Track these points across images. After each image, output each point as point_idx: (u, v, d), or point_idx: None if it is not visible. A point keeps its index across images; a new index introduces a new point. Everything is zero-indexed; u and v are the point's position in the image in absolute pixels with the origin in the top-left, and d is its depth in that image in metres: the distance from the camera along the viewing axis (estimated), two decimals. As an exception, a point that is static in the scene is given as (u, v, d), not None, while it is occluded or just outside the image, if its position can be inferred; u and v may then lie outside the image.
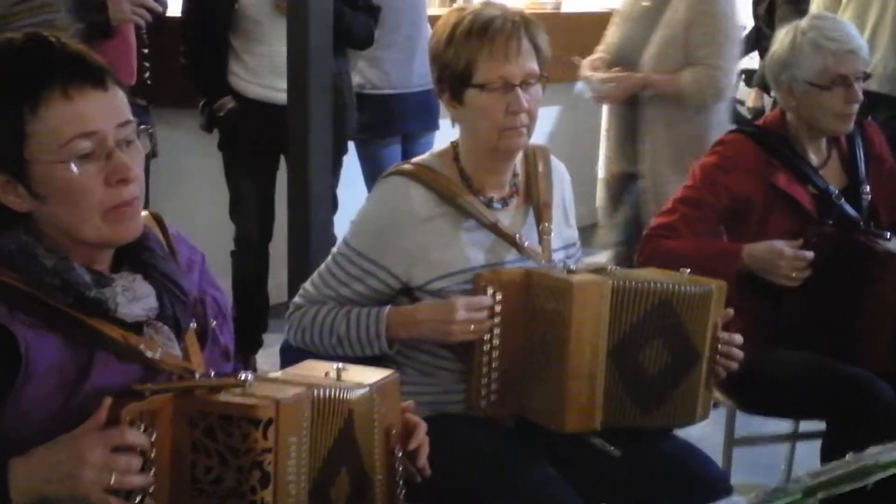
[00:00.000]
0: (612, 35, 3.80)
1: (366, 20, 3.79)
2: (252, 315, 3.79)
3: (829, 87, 2.46)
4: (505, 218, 2.01)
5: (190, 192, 4.21)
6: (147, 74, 3.39)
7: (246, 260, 3.83)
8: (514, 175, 2.06)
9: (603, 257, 5.37)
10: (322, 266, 2.05)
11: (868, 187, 2.55)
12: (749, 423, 2.63)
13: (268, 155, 3.63)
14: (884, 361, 2.37)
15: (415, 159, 2.08)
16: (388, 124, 4.16)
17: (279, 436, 1.30)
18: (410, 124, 4.22)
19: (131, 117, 1.40)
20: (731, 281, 2.38)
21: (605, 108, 6.34)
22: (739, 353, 2.00)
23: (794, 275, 2.36)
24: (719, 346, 1.97)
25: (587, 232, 5.90)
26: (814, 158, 2.56)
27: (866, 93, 4.67)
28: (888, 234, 2.40)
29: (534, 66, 1.94)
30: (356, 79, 4.09)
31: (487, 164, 2.01)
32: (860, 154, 2.59)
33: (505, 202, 2.03)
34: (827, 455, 2.34)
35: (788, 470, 2.86)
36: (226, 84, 3.63)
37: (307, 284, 2.06)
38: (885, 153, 2.65)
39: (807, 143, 2.56)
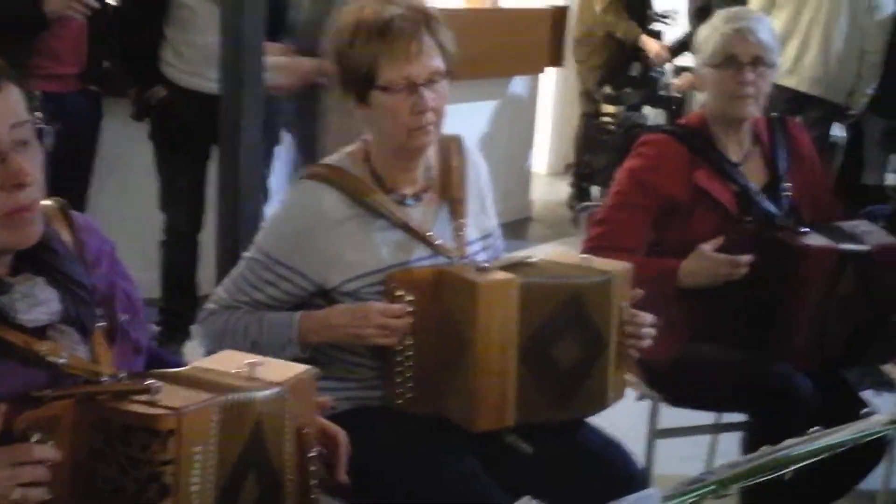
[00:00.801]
0: None
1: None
2: (181, 306, 3.75)
3: (721, 66, 2.51)
4: (418, 214, 2.00)
5: (120, 181, 4.14)
6: (104, 62, 3.39)
7: (176, 251, 3.78)
8: (428, 168, 2.05)
9: (538, 251, 5.43)
10: (234, 271, 2.03)
11: (789, 184, 2.58)
12: (675, 415, 2.66)
13: (199, 145, 3.59)
14: (803, 355, 2.41)
15: (326, 160, 2.06)
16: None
17: (181, 447, 1.26)
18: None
19: (27, 117, 1.35)
20: (671, 299, 2.41)
21: (540, 104, 6.42)
22: (649, 332, 2.01)
23: (734, 277, 2.38)
24: (626, 328, 1.98)
25: (522, 225, 6.04)
26: (734, 156, 2.58)
27: (797, 93, 4.84)
28: (807, 229, 2.44)
29: (438, 63, 1.92)
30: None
31: (398, 162, 2.00)
32: (782, 151, 2.62)
33: (418, 197, 2.02)
34: (748, 447, 2.37)
35: (711, 462, 2.90)
36: (158, 73, 3.59)
37: (220, 290, 2.04)
38: (806, 150, 2.68)
39: (727, 140, 2.58)
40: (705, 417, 2.87)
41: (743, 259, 2.37)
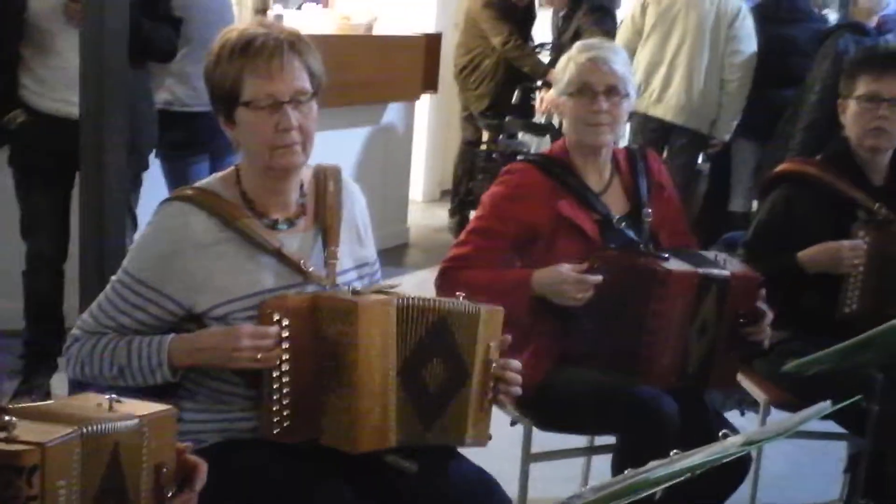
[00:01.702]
0: None
1: (167, 32, 3.70)
2: (47, 337, 3.62)
3: (576, 94, 2.58)
4: (292, 240, 1.99)
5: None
6: None
7: (39, 280, 3.65)
8: (302, 195, 2.04)
9: (415, 277, 5.47)
10: (101, 295, 1.98)
11: (650, 210, 2.66)
12: (550, 438, 2.68)
13: (62, 171, 3.48)
14: (667, 376, 2.46)
15: (198, 183, 2.03)
16: (196, 142, 4.07)
17: (45, 481, 1.23)
18: (219, 141, 4.13)
19: None
20: (527, 308, 2.48)
21: (416, 131, 6.46)
22: (517, 378, 2.03)
23: (579, 296, 2.43)
24: (493, 369, 1.99)
25: (399, 251, 6.04)
26: (595, 184, 2.64)
27: (663, 122, 4.99)
28: (667, 254, 2.50)
29: (304, 83, 1.92)
30: (164, 95, 4.01)
31: (268, 184, 1.99)
32: (642, 180, 2.69)
33: (291, 223, 2.01)
34: (616, 468, 2.41)
35: (585, 483, 2.94)
36: (16, 97, 3.47)
37: (85, 315, 1.99)
38: (664, 180, 2.76)
39: (587, 169, 2.64)
40: (580, 440, 2.91)
41: (590, 279, 2.42)
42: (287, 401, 1.88)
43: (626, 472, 1.52)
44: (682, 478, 1.49)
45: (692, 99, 4.98)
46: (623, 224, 2.61)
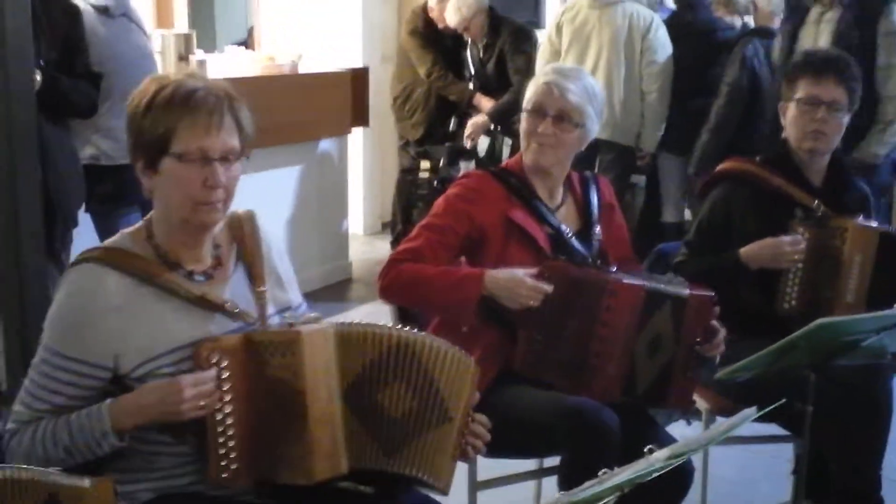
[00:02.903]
0: None
1: (87, 88, 3.68)
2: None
3: (529, 113, 2.66)
4: (213, 290, 1.97)
5: None
6: None
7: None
8: (216, 247, 2.03)
9: (359, 311, 5.44)
10: (27, 381, 1.92)
11: (599, 228, 2.72)
12: (499, 463, 2.67)
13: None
14: (612, 389, 2.47)
15: (106, 242, 2.00)
16: (125, 194, 4.03)
17: None
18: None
19: None
20: (474, 306, 2.48)
21: (352, 165, 6.45)
22: (487, 436, 2.05)
23: (531, 302, 2.44)
24: (469, 421, 2.00)
25: (343, 286, 6.01)
26: (549, 201, 2.69)
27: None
28: (614, 268, 2.53)
29: (235, 143, 1.91)
30: (90, 150, 3.98)
31: (182, 237, 1.96)
32: (594, 200, 2.75)
33: (208, 275, 1.99)
34: (563, 486, 2.40)
35: (537, 505, 2.93)
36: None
37: (16, 406, 1.92)
38: (613, 203, 2.83)
39: (541, 186, 2.69)
40: (529, 464, 2.90)
41: (543, 287, 2.43)
42: (233, 443, 1.86)
43: (556, 495, 1.53)
44: (612, 496, 1.50)
45: (614, 113, 5.04)
46: (574, 239, 2.65)
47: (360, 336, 1.93)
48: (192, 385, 1.82)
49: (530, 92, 2.68)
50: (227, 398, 1.85)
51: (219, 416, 1.85)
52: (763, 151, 3.13)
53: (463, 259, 2.66)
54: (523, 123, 2.68)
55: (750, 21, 5.25)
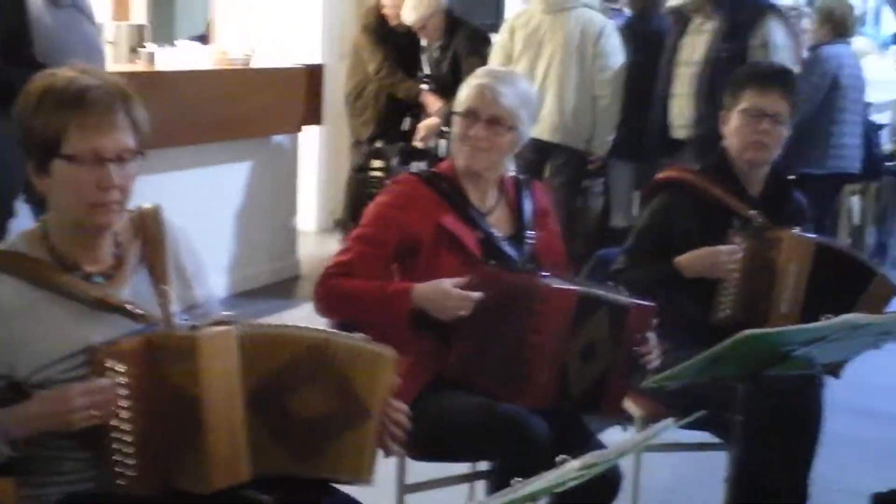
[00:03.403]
0: None
1: (30, 77, 3.61)
2: None
3: (461, 116, 2.63)
4: (114, 291, 1.93)
5: None
6: None
7: None
8: (118, 245, 1.99)
9: (304, 309, 5.40)
10: None
11: (533, 233, 2.70)
12: (431, 466, 2.66)
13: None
14: (544, 395, 2.47)
15: (0, 245, 1.96)
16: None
17: None
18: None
19: None
20: (405, 320, 2.48)
21: (306, 161, 6.43)
22: (406, 423, 2.03)
23: (460, 313, 2.44)
24: (389, 411, 1.99)
25: (290, 284, 5.99)
26: (481, 205, 2.68)
27: (540, 142, 5.05)
28: (546, 274, 2.51)
29: (129, 141, 1.87)
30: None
31: (79, 239, 1.92)
32: (527, 205, 2.74)
33: (108, 276, 1.95)
34: (490, 492, 2.41)
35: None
36: None
37: None
38: (549, 208, 2.82)
39: (473, 191, 2.67)
40: (459, 467, 2.89)
41: (472, 296, 2.43)
42: (131, 450, 1.82)
43: (472, 502, 1.53)
44: (524, 506, 1.50)
45: (565, 117, 5.06)
46: (505, 244, 2.63)
47: (268, 340, 1.89)
48: (82, 395, 1.77)
49: (463, 95, 2.66)
50: (124, 404, 1.81)
51: (114, 423, 1.80)
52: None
53: (395, 266, 2.64)
54: (455, 127, 2.66)
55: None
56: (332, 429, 1.93)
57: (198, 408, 1.81)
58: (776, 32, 4.42)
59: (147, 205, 2.03)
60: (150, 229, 2.01)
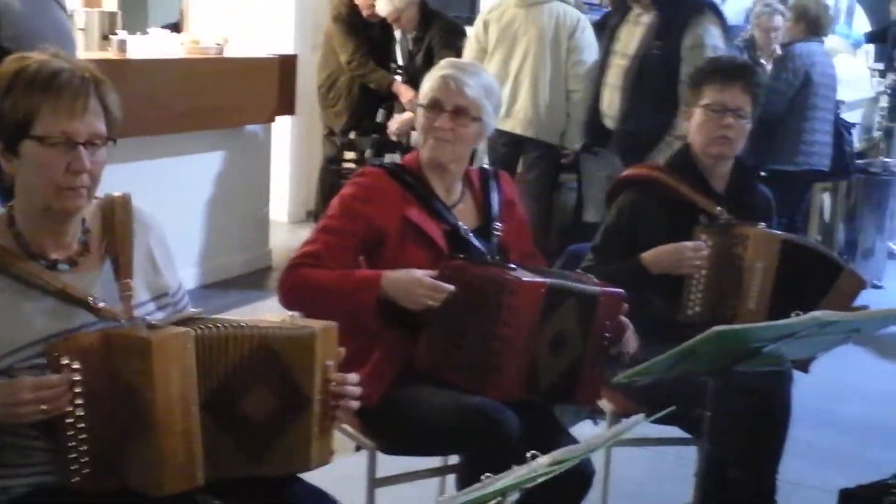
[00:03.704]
0: None
1: (-2, 63, 3.57)
2: None
3: (425, 108, 2.63)
4: (78, 280, 1.91)
5: None
6: None
7: None
8: (85, 232, 1.97)
9: (277, 301, 5.37)
10: None
11: (500, 225, 2.70)
12: (402, 460, 2.66)
13: None
14: (515, 387, 2.47)
15: None
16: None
17: None
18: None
19: None
20: (373, 309, 2.46)
21: (279, 152, 6.41)
22: (356, 391, 2.01)
23: (430, 303, 2.43)
24: (331, 387, 1.96)
25: (262, 275, 5.96)
26: (447, 198, 2.67)
27: (514, 136, 5.04)
28: (515, 265, 2.51)
29: (101, 127, 1.86)
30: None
31: (46, 224, 1.91)
32: (494, 195, 2.73)
33: (73, 262, 1.93)
34: (460, 486, 2.40)
35: None
36: None
37: None
38: (515, 198, 2.81)
39: (438, 183, 2.66)
40: (430, 461, 2.89)
41: (444, 286, 2.43)
42: (85, 447, 1.80)
43: (438, 498, 1.53)
44: (493, 501, 1.50)
45: (539, 111, 5.06)
46: (472, 236, 2.62)
47: (221, 341, 1.87)
48: (31, 389, 1.75)
49: (427, 86, 2.64)
50: (79, 401, 1.78)
51: (69, 420, 1.78)
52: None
53: (361, 259, 2.63)
54: (420, 118, 2.65)
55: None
56: (279, 425, 1.92)
57: (151, 410, 1.78)
58: (710, 35, 4.23)
59: (117, 193, 2.02)
60: (117, 219, 1.99)
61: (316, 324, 1.97)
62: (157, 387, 1.78)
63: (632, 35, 4.36)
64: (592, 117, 4.66)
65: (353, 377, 2.02)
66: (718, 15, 4.34)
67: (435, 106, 2.60)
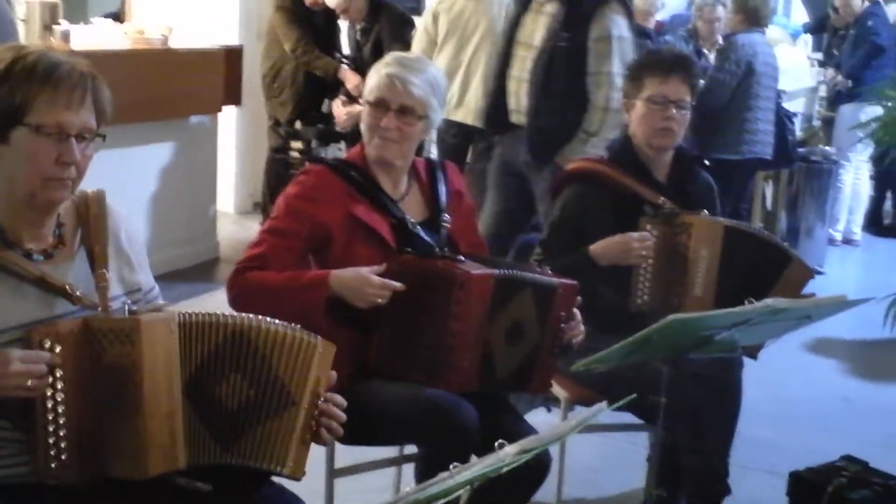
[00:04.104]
0: None
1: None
2: None
3: (371, 105, 2.61)
4: (53, 270, 1.91)
5: None
6: None
7: None
8: (60, 225, 1.97)
9: (224, 293, 5.33)
10: None
11: (448, 216, 2.69)
12: (360, 450, 2.66)
13: None
14: (469, 380, 2.47)
15: None
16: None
17: None
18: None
19: None
20: (322, 309, 2.45)
21: (225, 143, 6.35)
22: (342, 416, 2.01)
23: (378, 301, 2.43)
24: (320, 403, 1.96)
25: (209, 266, 5.92)
26: (393, 191, 2.66)
27: (464, 126, 5.04)
28: (463, 257, 2.51)
29: (92, 121, 1.88)
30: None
31: (25, 214, 1.90)
32: (441, 187, 2.72)
33: (48, 254, 1.92)
34: (420, 478, 2.41)
35: (397, 493, 2.94)
36: None
37: None
38: (463, 189, 2.81)
39: (385, 177, 2.65)
40: (387, 451, 2.90)
41: (391, 284, 2.43)
42: (63, 433, 1.79)
43: (408, 489, 1.54)
44: (462, 490, 1.52)
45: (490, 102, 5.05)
46: (419, 229, 2.62)
47: (200, 326, 1.88)
48: (21, 360, 1.74)
49: (372, 83, 2.62)
50: (59, 386, 1.78)
51: (49, 405, 1.78)
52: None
53: (311, 258, 2.62)
54: (365, 116, 2.63)
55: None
56: (253, 416, 1.92)
57: (138, 392, 1.79)
58: (616, 25, 4.06)
59: (90, 190, 2.02)
60: (92, 212, 1.99)
61: (317, 339, 1.97)
62: (144, 369, 1.79)
63: (536, 24, 4.18)
64: (495, 104, 4.40)
65: (342, 400, 2.01)
66: (624, 4, 4.19)
67: (381, 105, 2.59)
